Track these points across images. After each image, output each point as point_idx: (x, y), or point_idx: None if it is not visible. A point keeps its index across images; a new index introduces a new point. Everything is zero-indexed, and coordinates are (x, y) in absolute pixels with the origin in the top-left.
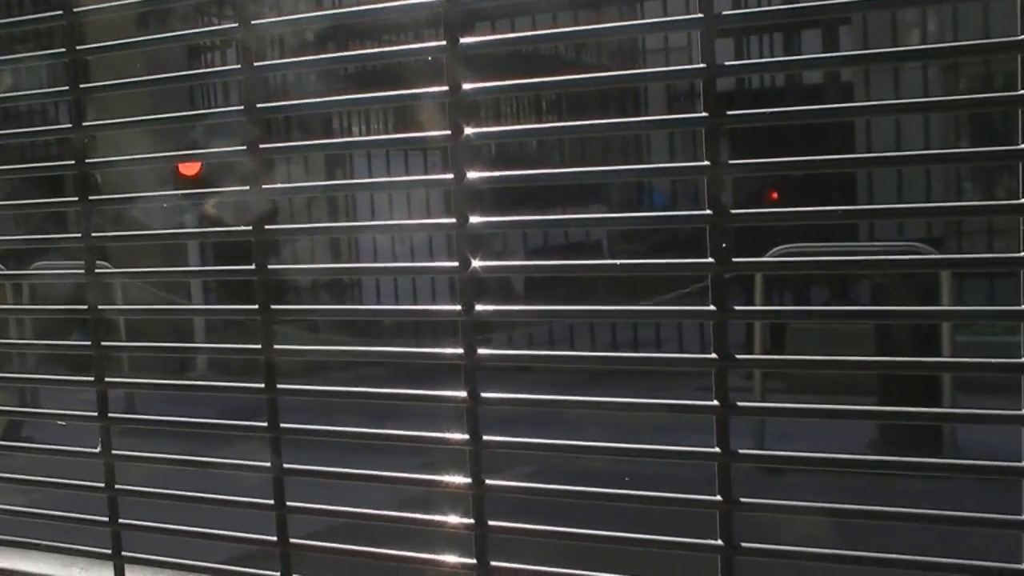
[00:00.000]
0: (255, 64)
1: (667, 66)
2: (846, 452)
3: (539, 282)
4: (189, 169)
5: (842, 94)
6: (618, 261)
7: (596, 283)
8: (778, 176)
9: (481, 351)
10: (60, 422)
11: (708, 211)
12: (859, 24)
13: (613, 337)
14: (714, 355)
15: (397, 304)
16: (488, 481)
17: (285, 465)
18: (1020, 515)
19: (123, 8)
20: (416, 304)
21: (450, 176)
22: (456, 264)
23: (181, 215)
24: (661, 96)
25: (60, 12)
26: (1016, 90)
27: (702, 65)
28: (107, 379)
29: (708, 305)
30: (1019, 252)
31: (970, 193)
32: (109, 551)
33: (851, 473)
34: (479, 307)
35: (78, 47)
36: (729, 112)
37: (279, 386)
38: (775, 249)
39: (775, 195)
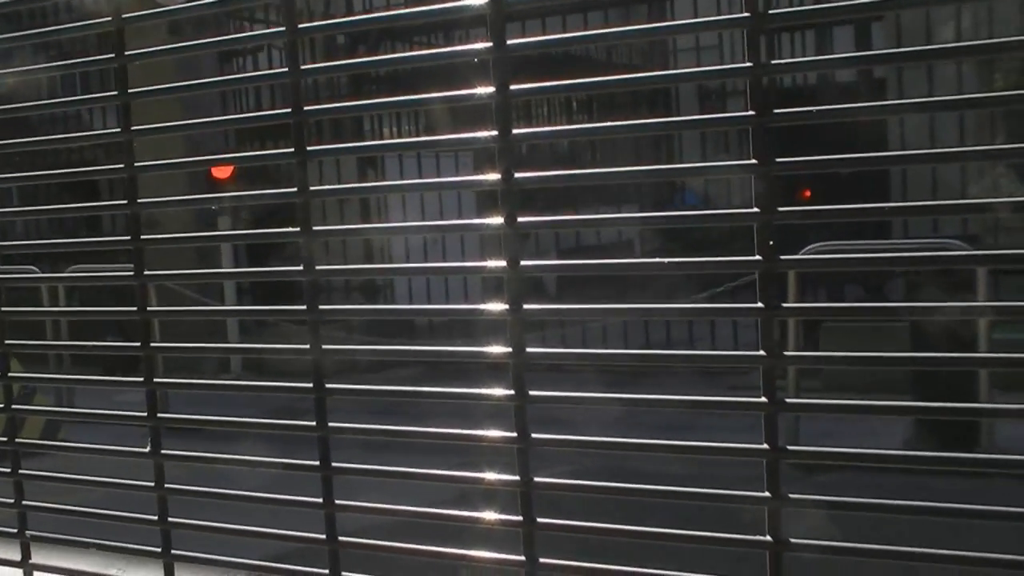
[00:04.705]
0: (302, 67)
1: (696, 63)
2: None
3: (567, 281)
4: (222, 172)
5: (869, 91)
6: (666, 260)
7: (623, 283)
8: (811, 174)
9: (530, 349)
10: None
11: (755, 209)
12: (891, 20)
13: (646, 336)
14: (762, 352)
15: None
16: (537, 479)
17: (334, 464)
18: None
19: (172, 14)
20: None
21: (498, 176)
22: (504, 263)
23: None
24: (689, 94)
25: (109, 19)
26: None
27: (748, 64)
28: (156, 380)
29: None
30: None
31: (1005, 188)
32: (158, 549)
33: (886, 471)
34: (527, 306)
35: (127, 52)
36: (776, 111)
37: (328, 385)
38: (808, 248)
39: (808, 193)
